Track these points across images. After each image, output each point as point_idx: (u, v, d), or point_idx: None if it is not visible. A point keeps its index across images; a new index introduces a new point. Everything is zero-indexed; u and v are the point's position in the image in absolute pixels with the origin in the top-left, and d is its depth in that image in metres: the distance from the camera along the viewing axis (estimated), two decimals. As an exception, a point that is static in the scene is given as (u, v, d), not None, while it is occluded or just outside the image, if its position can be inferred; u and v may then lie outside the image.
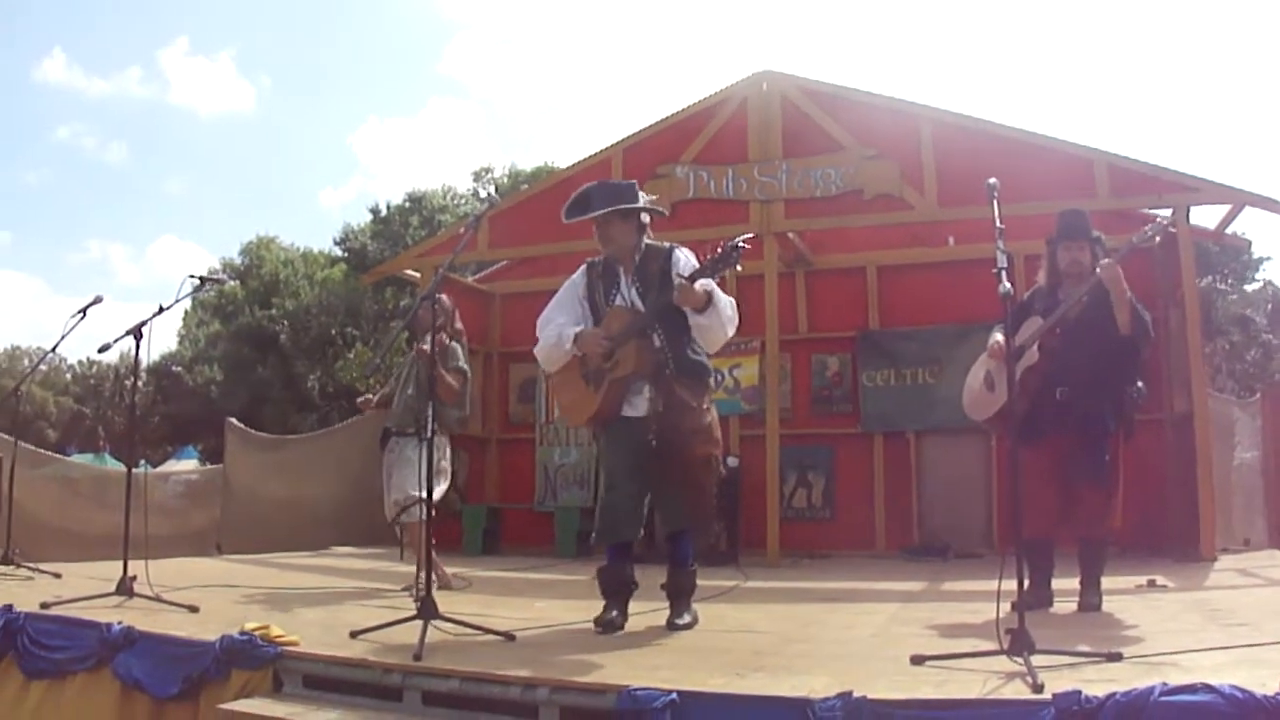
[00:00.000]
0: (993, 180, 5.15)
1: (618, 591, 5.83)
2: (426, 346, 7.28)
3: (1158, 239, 6.41)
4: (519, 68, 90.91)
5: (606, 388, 5.81)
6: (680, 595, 5.91)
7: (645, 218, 6.00)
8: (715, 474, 5.99)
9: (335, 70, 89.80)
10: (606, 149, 12.44)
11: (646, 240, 5.98)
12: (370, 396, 8.68)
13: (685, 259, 5.78)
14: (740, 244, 5.46)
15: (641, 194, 6.02)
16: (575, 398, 6.06)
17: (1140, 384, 6.33)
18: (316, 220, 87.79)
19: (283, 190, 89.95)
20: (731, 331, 5.74)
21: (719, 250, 5.46)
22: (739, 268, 5.54)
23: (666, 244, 6.00)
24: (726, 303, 5.64)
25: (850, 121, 11.19)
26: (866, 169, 10.97)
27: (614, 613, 5.73)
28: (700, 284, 5.51)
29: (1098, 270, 6.06)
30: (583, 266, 6.22)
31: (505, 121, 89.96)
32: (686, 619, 5.82)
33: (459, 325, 8.30)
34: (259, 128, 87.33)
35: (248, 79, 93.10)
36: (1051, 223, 6.61)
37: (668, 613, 5.86)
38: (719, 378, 12.20)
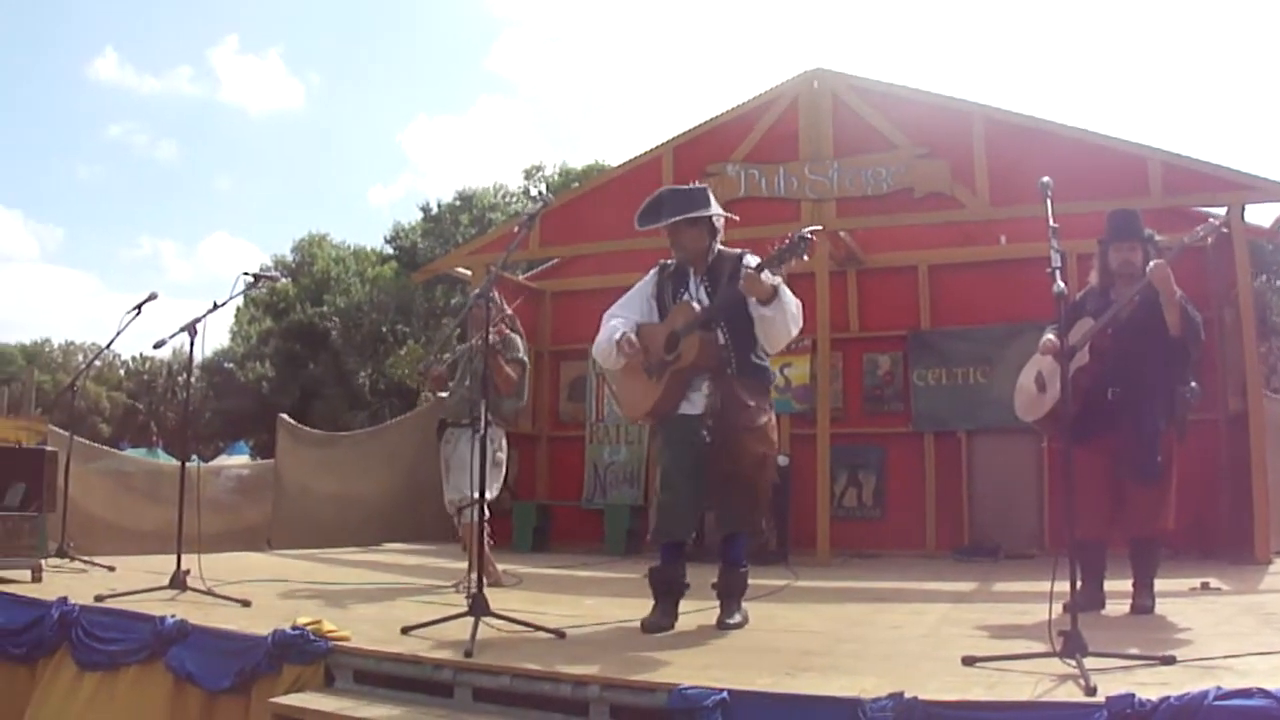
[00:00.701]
0: (1046, 179, 5.13)
1: (668, 591, 5.85)
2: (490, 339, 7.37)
3: (1210, 239, 6.35)
4: (567, 65, 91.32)
5: (668, 379, 5.85)
6: (731, 595, 5.91)
7: (718, 223, 6.05)
8: (771, 476, 6.00)
9: (383, 68, 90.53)
10: (657, 148, 12.43)
11: (719, 246, 6.04)
12: (436, 366, 8.65)
13: (757, 261, 5.72)
14: (807, 235, 5.50)
15: (713, 198, 6.07)
16: (636, 391, 6.10)
17: (1194, 384, 6.27)
18: (366, 218, 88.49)
19: (332, 188, 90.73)
20: (795, 331, 5.75)
21: (785, 241, 5.49)
22: (805, 257, 5.54)
23: (738, 250, 6.04)
24: (792, 301, 5.67)
25: (901, 119, 11.13)
26: (918, 167, 10.92)
27: (661, 614, 5.76)
28: (768, 278, 5.53)
29: (1147, 272, 6.01)
30: (655, 267, 6.31)
31: (553, 119, 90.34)
32: (737, 618, 5.83)
33: (509, 311, 8.27)
34: (308, 125, 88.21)
35: (297, 77, 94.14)
36: (1104, 222, 6.58)
37: (718, 612, 5.86)
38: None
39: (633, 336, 5.91)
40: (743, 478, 5.77)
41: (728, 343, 5.79)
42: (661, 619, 5.73)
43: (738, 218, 6.40)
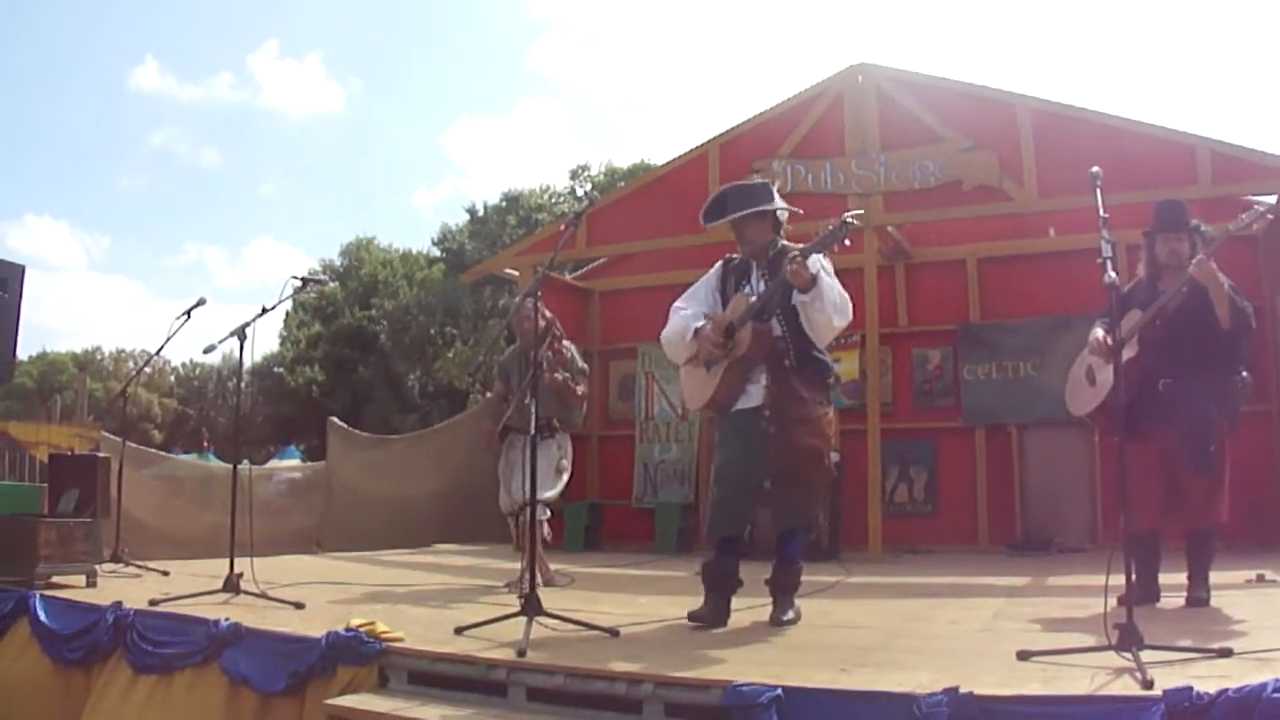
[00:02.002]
0: (1096, 169, 5.10)
1: (721, 587, 5.85)
2: (555, 377, 7.70)
3: (1255, 226, 6.28)
4: (607, 66, 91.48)
5: (725, 369, 5.88)
6: (784, 591, 5.93)
7: (782, 216, 6.13)
8: (827, 471, 6.04)
9: (423, 71, 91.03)
10: (702, 145, 12.43)
11: (782, 240, 6.08)
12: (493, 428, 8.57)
13: (813, 257, 5.69)
14: (848, 219, 5.58)
15: (776, 193, 6.13)
16: (696, 381, 6.13)
17: (1245, 374, 6.22)
18: (411, 220, 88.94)
19: (376, 191, 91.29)
20: (839, 322, 5.74)
21: (828, 227, 5.57)
22: (846, 242, 5.63)
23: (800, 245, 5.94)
24: (833, 288, 5.67)
25: (947, 112, 11.07)
26: (965, 160, 10.86)
27: (711, 609, 5.78)
28: (812, 264, 5.57)
29: (1190, 268, 5.96)
30: (720, 261, 6.33)
31: (595, 120, 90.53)
32: (790, 615, 5.84)
33: (547, 314, 8.10)
34: (350, 129, 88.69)
35: (337, 81, 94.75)
36: (1151, 213, 6.53)
37: (771, 608, 5.87)
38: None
39: (708, 326, 5.94)
40: (797, 472, 5.78)
41: (785, 334, 5.82)
42: (711, 614, 5.75)
43: (801, 211, 6.42)
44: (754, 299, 5.88)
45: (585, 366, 8.31)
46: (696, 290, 6.27)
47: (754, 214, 6.00)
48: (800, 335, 5.82)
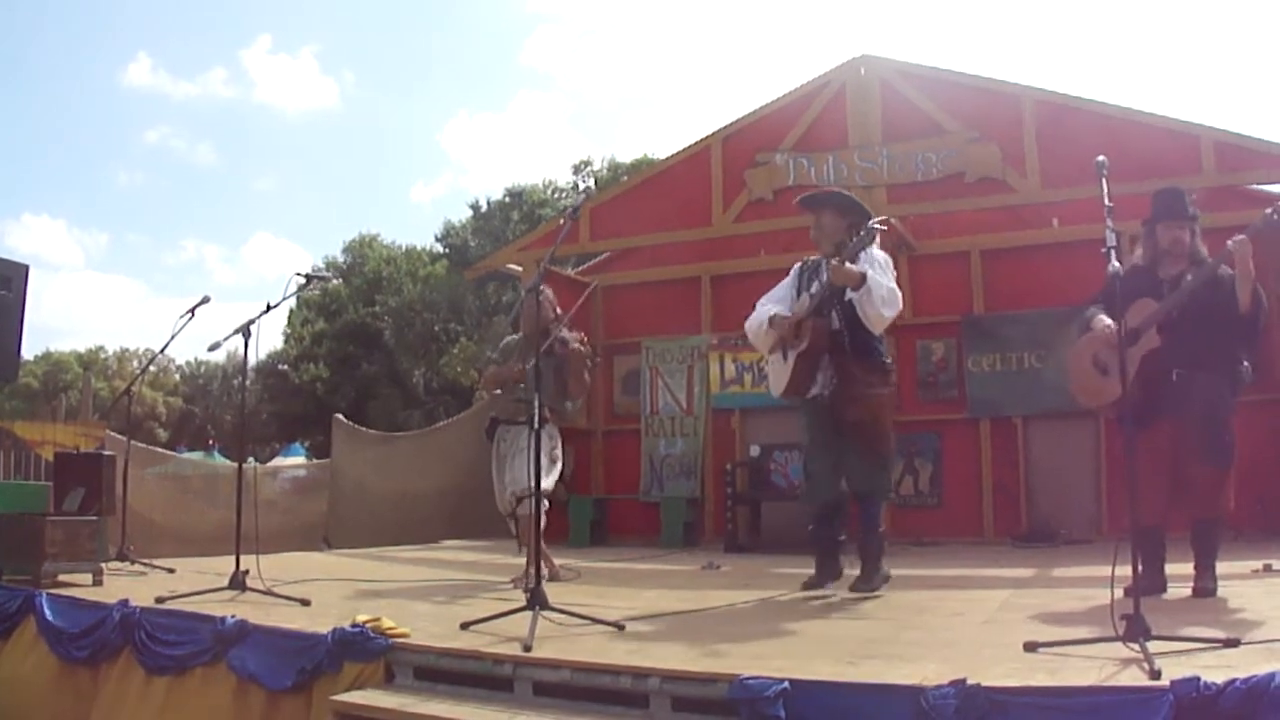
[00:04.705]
0: (1101, 158, 5.10)
1: (826, 550, 6.96)
2: (575, 347, 7.72)
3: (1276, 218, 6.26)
4: (604, 59, 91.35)
5: (795, 361, 6.76)
6: (868, 559, 6.75)
7: (868, 225, 6.64)
8: (885, 441, 6.83)
9: (417, 65, 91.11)
10: (705, 138, 12.46)
11: (869, 234, 6.62)
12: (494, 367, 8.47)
13: (868, 254, 6.59)
14: (874, 226, 6.53)
15: (864, 207, 7.03)
16: (776, 371, 6.99)
17: (1246, 364, 6.22)
18: (409, 215, 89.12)
19: (372, 186, 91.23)
20: (889, 313, 6.51)
21: (858, 233, 6.52)
22: (874, 246, 6.60)
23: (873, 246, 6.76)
24: (880, 284, 6.46)
25: (950, 103, 11.08)
26: (968, 152, 10.86)
27: (820, 573, 6.91)
28: (862, 267, 6.44)
29: (1229, 245, 5.93)
30: (798, 264, 7.19)
31: (594, 113, 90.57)
32: (874, 582, 6.68)
33: (558, 310, 8.18)
34: (345, 124, 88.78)
35: (331, 75, 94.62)
36: (1150, 201, 6.52)
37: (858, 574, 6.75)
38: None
39: (785, 311, 6.87)
40: (857, 443, 6.68)
41: (842, 328, 6.64)
42: (820, 577, 6.89)
43: (885, 228, 7.21)
44: (813, 297, 6.71)
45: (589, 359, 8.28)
46: (779, 289, 7.15)
47: (833, 205, 6.95)
48: (857, 327, 6.59)
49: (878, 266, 6.56)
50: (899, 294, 6.60)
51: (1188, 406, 6.03)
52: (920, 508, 12.36)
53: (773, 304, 7.02)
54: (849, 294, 6.52)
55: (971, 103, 10.97)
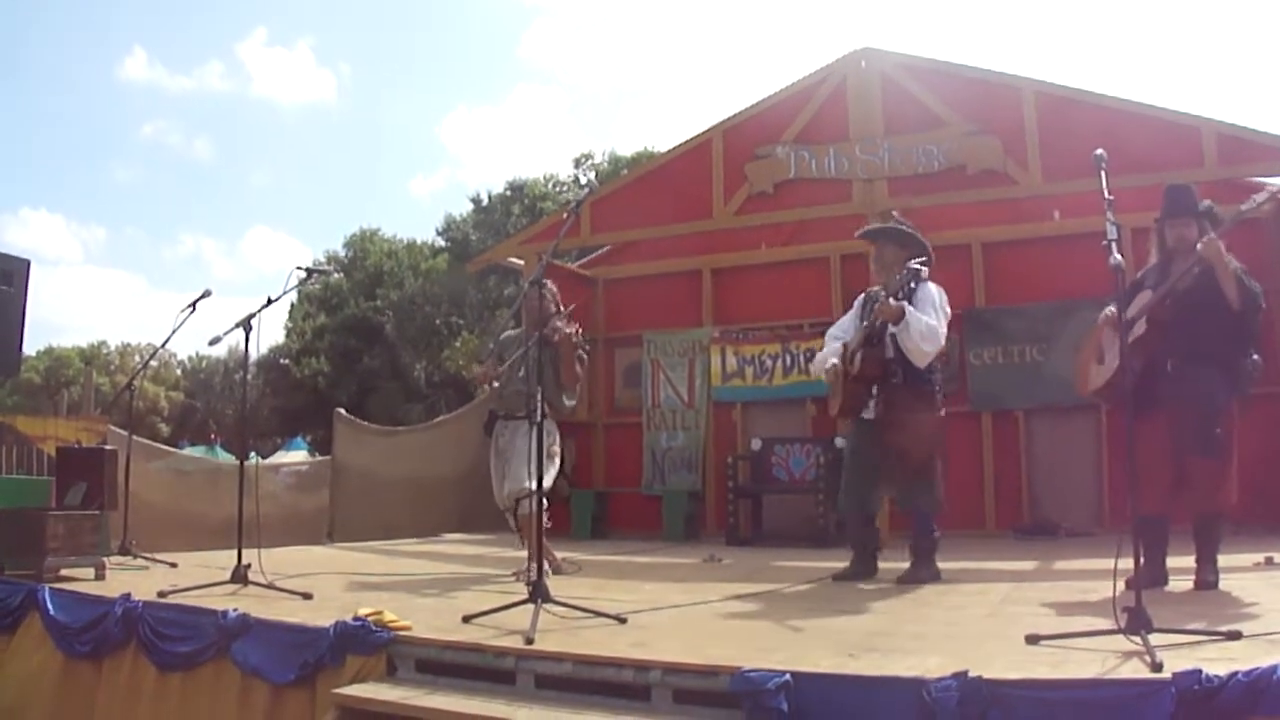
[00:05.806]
0: (1100, 151, 5.11)
1: (861, 547, 7.36)
2: (567, 331, 7.64)
3: (1266, 208, 6.28)
4: (602, 52, 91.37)
5: (847, 386, 7.25)
6: (917, 554, 7.16)
7: (921, 260, 7.11)
8: (926, 462, 7.14)
9: (414, 58, 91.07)
10: (706, 131, 12.44)
11: (908, 273, 7.04)
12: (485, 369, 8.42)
13: (924, 290, 7.07)
14: (914, 267, 6.95)
15: (924, 244, 7.41)
16: (834, 392, 7.45)
17: (1255, 355, 6.22)
18: (407, 208, 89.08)
19: (370, 179, 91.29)
20: (928, 348, 6.94)
21: (902, 272, 7.00)
22: (914, 284, 7.03)
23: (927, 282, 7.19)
24: (919, 320, 6.88)
25: (951, 96, 11.06)
26: (969, 144, 10.85)
27: (854, 567, 7.30)
28: (894, 304, 6.87)
29: (1198, 248, 5.97)
30: (863, 294, 7.67)
31: (592, 106, 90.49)
32: (921, 575, 7.03)
33: (559, 304, 8.20)
34: (342, 117, 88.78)
35: (328, 68, 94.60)
36: (1158, 193, 6.54)
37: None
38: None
39: (839, 364, 7.35)
40: (902, 463, 7.08)
41: (895, 357, 7.11)
42: (854, 569, 7.29)
43: (933, 258, 7.44)
44: (865, 329, 7.24)
45: (585, 356, 8.25)
46: (846, 320, 7.69)
47: (893, 240, 7.43)
48: (908, 358, 7.03)
49: (923, 302, 6.99)
50: (940, 331, 6.97)
51: (1182, 398, 6.04)
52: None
53: (836, 336, 7.56)
54: (891, 328, 6.98)
55: (973, 96, 10.96)
